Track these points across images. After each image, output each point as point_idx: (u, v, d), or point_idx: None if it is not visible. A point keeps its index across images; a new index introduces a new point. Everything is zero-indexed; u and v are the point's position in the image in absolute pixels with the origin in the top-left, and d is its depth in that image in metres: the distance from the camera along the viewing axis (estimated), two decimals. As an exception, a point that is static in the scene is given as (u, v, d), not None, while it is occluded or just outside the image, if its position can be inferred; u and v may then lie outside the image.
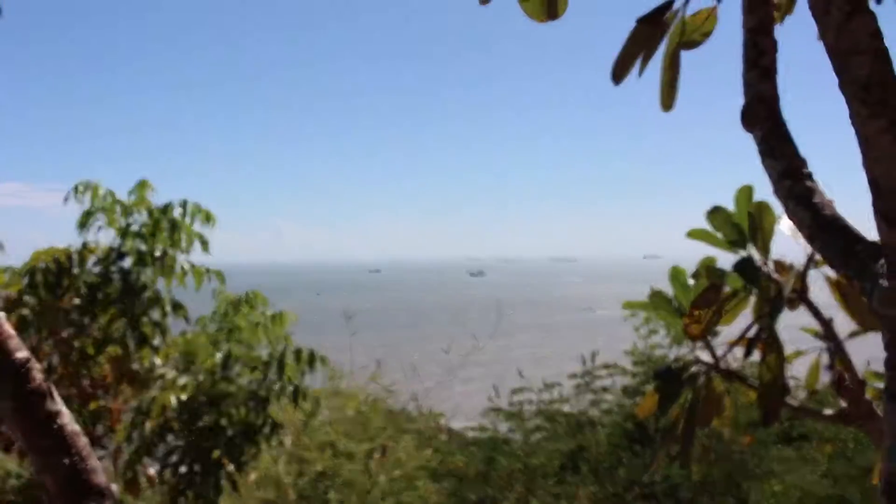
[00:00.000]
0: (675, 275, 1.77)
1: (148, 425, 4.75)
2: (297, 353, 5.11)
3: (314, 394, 5.41)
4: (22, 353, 0.94)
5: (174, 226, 4.74)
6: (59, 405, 0.95)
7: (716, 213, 1.68)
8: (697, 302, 1.59)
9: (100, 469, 0.93)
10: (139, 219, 4.81)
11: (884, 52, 0.83)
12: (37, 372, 0.94)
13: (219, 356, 4.88)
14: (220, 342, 4.97)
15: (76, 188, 4.67)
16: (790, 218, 1.07)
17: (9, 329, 0.91)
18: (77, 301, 4.53)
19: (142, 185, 4.83)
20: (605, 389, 6.29)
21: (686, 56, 1.59)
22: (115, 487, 0.95)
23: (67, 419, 0.95)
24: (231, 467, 4.84)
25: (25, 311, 4.32)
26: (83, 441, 0.94)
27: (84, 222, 4.69)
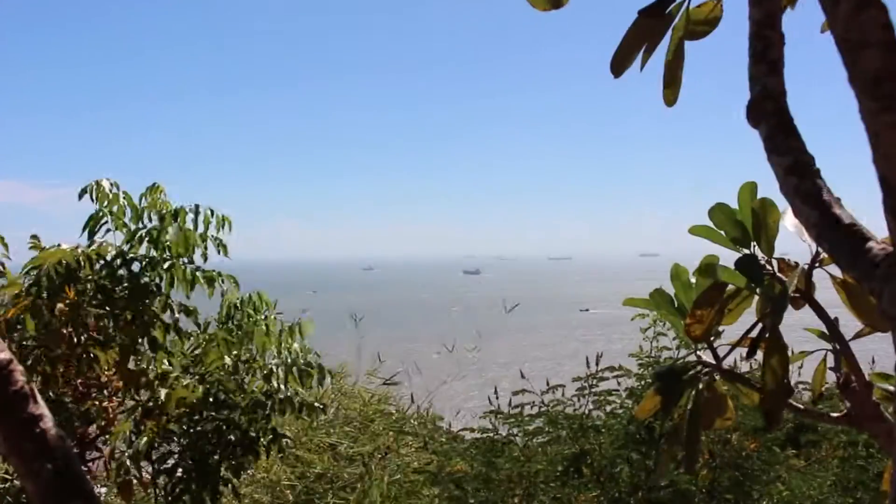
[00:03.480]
0: (677, 273, 1.73)
1: (148, 429, 4.68)
2: (307, 366, 4.98)
3: (319, 397, 5.31)
4: (3, 355, 0.91)
5: (183, 231, 4.63)
6: (42, 408, 0.92)
7: (718, 210, 1.65)
8: (700, 301, 1.56)
9: (83, 474, 0.90)
10: (149, 224, 4.71)
11: (895, 44, 0.80)
12: (19, 374, 0.92)
13: (228, 360, 4.79)
14: (231, 346, 4.86)
15: (89, 187, 4.57)
16: (797, 216, 1.04)
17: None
18: (84, 302, 4.43)
19: (153, 189, 4.73)
20: (609, 393, 6.21)
21: (691, 47, 1.56)
22: (104, 490, 0.92)
23: (50, 423, 0.92)
24: (228, 474, 4.77)
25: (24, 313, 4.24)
26: (67, 445, 0.91)
27: (93, 226, 4.59)
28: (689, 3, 1.46)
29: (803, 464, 5.82)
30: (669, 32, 1.49)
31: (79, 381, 4.55)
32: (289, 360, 4.94)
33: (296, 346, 5.02)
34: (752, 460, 5.50)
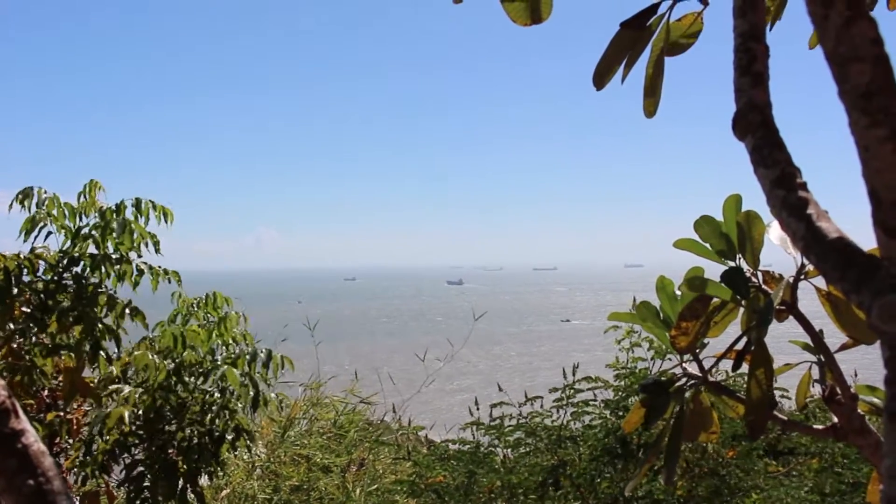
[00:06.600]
0: (662, 285, 1.73)
1: (99, 443, 4.59)
2: (253, 356, 4.86)
3: (282, 399, 5.24)
4: (-16, 369, 0.90)
5: (127, 225, 4.52)
6: (25, 423, 0.90)
7: (703, 223, 1.65)
8: (685, 313, 1.56)
9: (66, 490, 0.88)
10: (91, 221, 4.59)
11: (885, 58, 0.80)
12: (0, 389, 0.90)
13: (170, 366, 4.68)
14: (172, 349, 4.75)
15: (18, 195, 4.47)
16: (784, 229, 1.04)
17: (-30, 345, 0.87)
18: (27, 310, 4.32)
19: (91, 186, 4.61)
20: (587, 403, 6.22)
21: (670, 61, 1.57)
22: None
23: (33, 438, 0.90)
24: (196, 477, 4.69)
25: None
26: (49, 461, 0.90)
27: (29, 230, 4.47)
28: (669, 17, 1.47)
29: (782, 470, 5.85)
30: (650, 46, 1.50)
31: (44, 392, 4.49)
32: (234, 353, 4.87)
33: (240, 336, 4.94)
34: (731, 468, 5.52)
